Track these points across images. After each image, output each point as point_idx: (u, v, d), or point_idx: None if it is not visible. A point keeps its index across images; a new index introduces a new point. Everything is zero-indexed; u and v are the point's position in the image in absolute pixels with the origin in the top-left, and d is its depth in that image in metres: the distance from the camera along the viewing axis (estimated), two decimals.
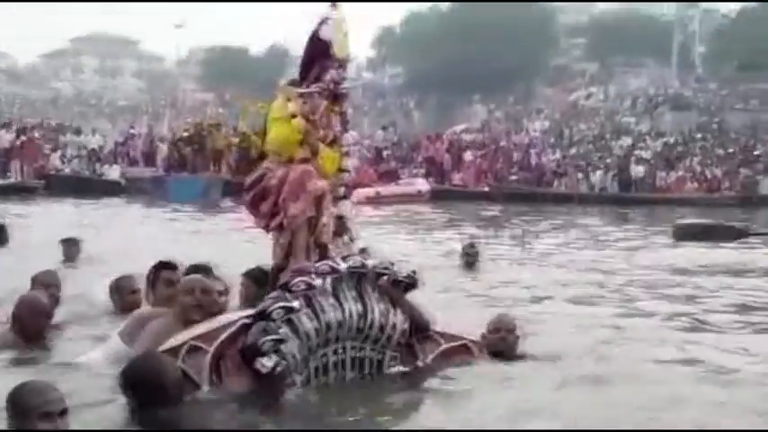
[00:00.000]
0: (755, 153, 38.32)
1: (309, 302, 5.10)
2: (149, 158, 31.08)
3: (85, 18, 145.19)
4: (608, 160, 36.56)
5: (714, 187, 33.99)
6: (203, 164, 29.23)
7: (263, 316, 5.01)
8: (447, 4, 75.51)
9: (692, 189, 33.68)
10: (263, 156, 5.79)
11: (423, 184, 30.45)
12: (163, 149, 31.01)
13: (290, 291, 5.09)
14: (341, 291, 5.21)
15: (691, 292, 10.39)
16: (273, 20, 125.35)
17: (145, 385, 4.27)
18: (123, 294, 6.93)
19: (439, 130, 42.92)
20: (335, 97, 5.65)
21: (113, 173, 29.32)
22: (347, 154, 5.84)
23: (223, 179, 27.09)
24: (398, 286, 5.43)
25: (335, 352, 5.24)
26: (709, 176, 34.80)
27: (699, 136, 44.05)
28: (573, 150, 40.04)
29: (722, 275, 11.89)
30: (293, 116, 5.51)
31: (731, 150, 39.17)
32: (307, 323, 5.06)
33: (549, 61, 74.69)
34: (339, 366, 5.26)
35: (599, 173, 34.44)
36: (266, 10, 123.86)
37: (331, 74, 5.58)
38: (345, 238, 5.75)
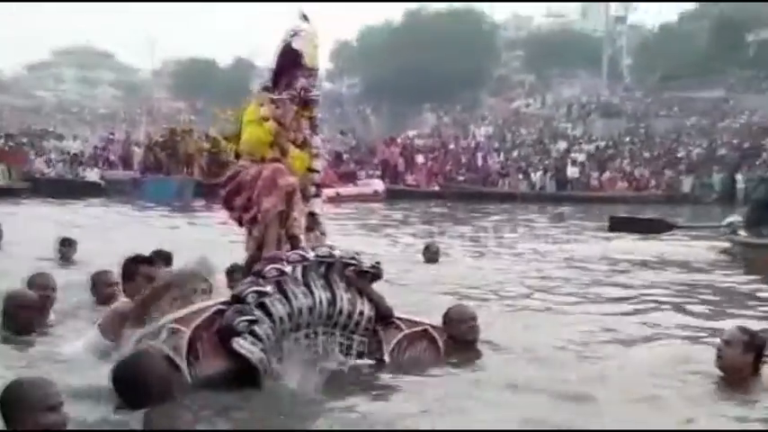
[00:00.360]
0: (678, 155, 38.72)
1: (281, 288, 5.06)
2: (126, 162, 30.68)
3: (66, 32, 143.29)
4: (546, 162, 36.71)
5: (642, 186, 34.27)
6: (176, 167, 28.92)
7: (237, 299, 4.98)
8: (398, 19, 75.57)
9: (622, 188, 33.92)
10: (237, 156, 5.75)
11: (379, 185, 30.33)
12: (138, 153, 30.63)
13: (263, 277, 5.04)
14: (310, 279, 5.17)
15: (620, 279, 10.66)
16: (239, 34, 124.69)
17: (132, 385, 4.06)
18: (101, 288, 6.84)
19: (393, 135, 42.84)
20: (305, 103, 5.64)
21: (93, 175, 28.97)
22: (316, 155, 5.80)
23: (194, 181, 26.83)
24: (364, 276, 5.40)
25: (307, 336, 5.18)
26: (637, 176, 35.09)
27: (627, 140, 44.35)
28: (515, 153, 40.15)
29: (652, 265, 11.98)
30: (265, 119, 5.50)
31: (656, 153, 39.56)
32: (279, 307, 5.01)
33: (492, 72, 75.09)
34: (310, 347, 5.20)
35: (538, 173, 34.57)
36: (233, 24, 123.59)
37: (301, 82, 5.56)
38: (317, 232, 5.70)
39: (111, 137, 34.61)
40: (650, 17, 78.91)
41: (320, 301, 5.16)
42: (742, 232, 13.41)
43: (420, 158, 35.13)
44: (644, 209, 23.93)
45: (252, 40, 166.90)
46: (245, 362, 4.89)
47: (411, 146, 38.17)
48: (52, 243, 10.39)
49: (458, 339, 5.77)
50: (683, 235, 15.43)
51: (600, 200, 30.13)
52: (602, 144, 42.29)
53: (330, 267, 5.28)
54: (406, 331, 5.56)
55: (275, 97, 5.56)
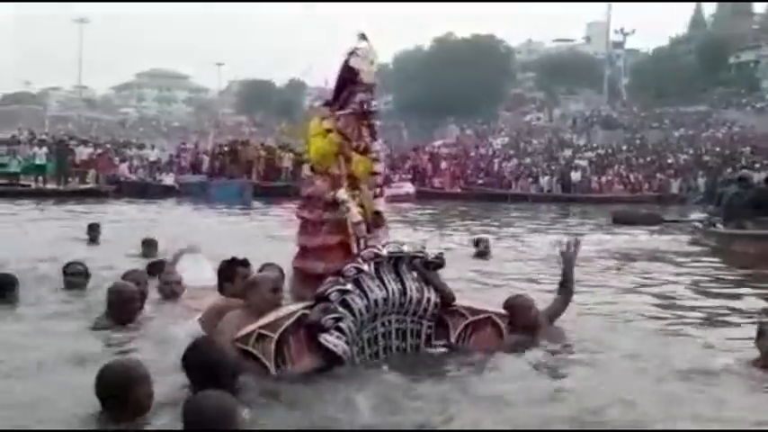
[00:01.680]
0: (668, 161, 38.33)
1: (359, 284, 4.86)
2: (196, 167, 30.84)
3: (147, 57, 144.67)
4: (553, 167, 36.47)
5: (636, 188, 33.91)
6: (238, 172, 29.12)
7: (322, 298, 4.78)
8: (428, 44, 75.47)
9: (619, 190, 33.60)
10: (313, 168, 5.43)
11: (410, 187, 30.20)
12: (206, 160, 30.88)
13: (343, 276, 4.84)
14: (383, 272, 4.95)
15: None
16: (295, 55, 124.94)
17: (199, 368, 3.88)
18: (164, 284, 6.63)
19: (422, 144, 42.82)
20: (364, 113, 5.34)
21: (169, 179, 29.14)
22: (376, 159, 5.43)
23: (253, 183, 26.98)
24: (428, 266, 5.15)
25: (383, 324, 5.00)
26: (632, 180, 34.75)
27: (624, 148, 43.99)
28: (527, 160, 39.93)
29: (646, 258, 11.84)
30: (328, 131, 5.22)
31: (649, 159, 39.16)
32: (358, 302, 4.82)
33: (508, 90, 74.71)
34: (386, 337, 5.03)
35: (546, 178, 34.31)
36: (290, 47, 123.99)
37: (359, 96, 5.28)
38: (383, 228, 5.38)
39: (183, 146, 34.81)
40: (645, 42, 78.06)
41: (393, 292, 4.96)
42: (720, 226, 13.25)
43: (444, 164, 35.00)
44: (638, 207, 23.67)
45: (304, 62, 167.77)
46: (331, 355, 4.70)
47: (437, 153, 38.10)
48: (138, 241, 10.16)
49: (517, 326, 5.46)
50: (648, 230, 15.39)
51: (599, 200, 29.87)
52: (602, 152, 41.95)
53: (399, 260, 5.06)
54: (471, 318, 5.27)
55: (340, 113, 5.28)
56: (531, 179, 34.36)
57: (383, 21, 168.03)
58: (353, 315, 4.80)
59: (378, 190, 5.43)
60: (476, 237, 11.89)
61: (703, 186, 30.40)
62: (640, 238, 14.36)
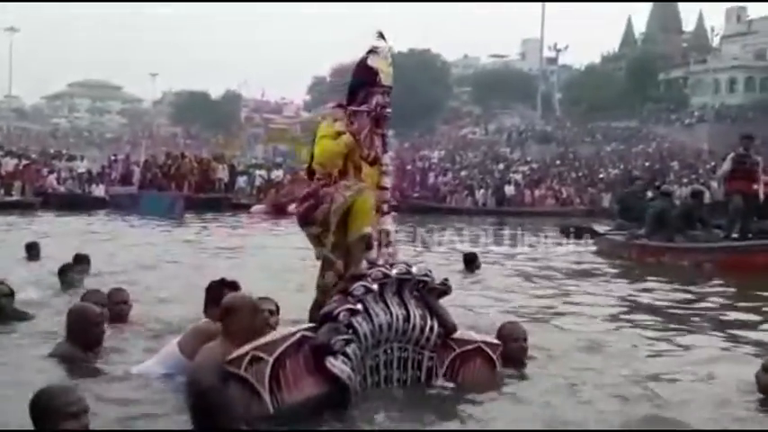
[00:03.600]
0: (599, 176, 39.05)
1: (364, 306, 4.43)
2: (126, 179, 30.35)
3: (80, 66, 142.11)
4: (488, 181, 36.81)
5: (568, 202, 34.44)
6: (169, 184, 28.73)
7: (330, 318, 4.31)
8: None
9: (551, 204, 34.07)
10: (310, 175, 4.93)
11: None
12: (137, 172, 30.38)
13: (350, 295, 4.41)
14: (387, 295, 4.54)
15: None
16: (229, 67, 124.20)
17: (203, 409, 3.42)
18: (113, 305, 6.10)
19: None
20: (377, 120, 4.94)
21: (99, 191, 28.60)
22: (385, 172, 4.99)
23: (184, 196, 26.64)
24: (433, 292, 4.74)
25: (385, 352, 4.54)
26: (564, 194, 35.27)
27: (557, 162, 44.67)
28: (463, 173, 40.25)
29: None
30: (340, 134, 4.77)
31: (581, 174, 39.84)
32: (364, 325, 4.38)
33: (445, 104, 75.37)
34: (387, 366, 4.56)
35: (481, 191, 34.61)
36: (224, 58, 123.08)
37: (377, 98, 4.88)
38: (390, 249, 4.88)
39: (113, 158, 34.21)
40: (578, 58, 79.67)
41: (397, 318, 4.51)
42: (644, 239, 13.51)
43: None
44: (569, 221, 24.00)
45: (241, 73, 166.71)
46: (335, 381, 4.23)
47: None
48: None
49: (507, 357, 5.07)
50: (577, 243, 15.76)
51: (531, 214, 30.24)
52: (536, 166, 42.54)
53: (403, 284, 4.63)
54: (459, 350, 4.80)
55: (354, 109, 4.87)
56: (465, 192, 34.60)
57: (322, 33, 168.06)
58: (359, 339, 4.39)
59: (386, 206, 4.97)
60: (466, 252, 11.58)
61: (610, 200, 30.72)
62: (562, 249, 14.66)
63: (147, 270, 10.15)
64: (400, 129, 66.85)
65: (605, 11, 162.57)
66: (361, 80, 4.94)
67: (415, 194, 34.45)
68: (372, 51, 4.92)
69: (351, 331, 4.32)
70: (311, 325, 4.41)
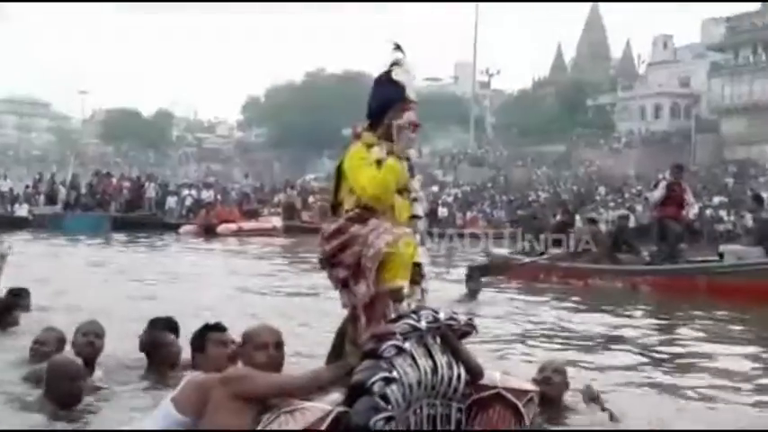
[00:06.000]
0: (529, 199, 39.69)
1: (394, 367, 3.68)
2: (52, 199, 29.65)
3: (5, 82, 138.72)
4: None
5: (498, 225, 34.89)
6: (95, 204, 28.20)
7: (364, 390, 3.58)
8: (300, 79, 75.77)
9: (483, 226, 34.45)
10: (334, 209, 4.23)
11: (277, 221, 30.02)
12: (62, 191, 29.72)
13: (381, 357, 3.67)
14: (412, 347, 3.80)
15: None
16: (162, 84, 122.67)
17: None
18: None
19: (294, 178, 42.78)
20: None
21: (23, 211, 27.90)
22: (415, 200, 4.35)
23: (111, 216, 26.16)
24: (455, 333, 3.99)
25: (415, 413, 3.80)
26: (495, 216, 35.74)
27: (489, 185, 45.31)
28: None
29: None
30: (380, 162, 4.02)
31: (512, 197, 40.47)
32: (396, 391, 3.64)
33: None
34: (418, 425, 3.83)
35: None
36: (157, 75, 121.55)
37: (409, 115, 4.19)
38: (423, 285, 4.23)
39: (38, 177, 33.42)
40: (510, 83, 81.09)
41: (425, 372, 3.77)
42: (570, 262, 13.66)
43: (311, 199, 35.04)
44: (499, 243, 24.20)
45: (172, 92, 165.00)
46: None
47: (308, 188, 38.12)
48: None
49: (544, 395, 4.37)
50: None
51: (462, 236, 30.48)
52: (468, 189, 43.05)
53: (429, 331, 3.93)
54: (475, 396, 3.99)
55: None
56: None
57: (256, 54, 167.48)
58: (392, 408, 3.66)
59: (419, 238, 4.22)
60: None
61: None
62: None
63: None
64: (335, 150, 67.00)
65: (536, 36, 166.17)
66: (388, 97, 4.26)
67: None
68: (396, 64, 4.29)
69: (385, 403, 3.60)
70: (340, 397, 3.69)
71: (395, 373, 3.63)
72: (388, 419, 3.57)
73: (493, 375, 4.09)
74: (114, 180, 30.29)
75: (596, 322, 9.29)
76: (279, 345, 3.92)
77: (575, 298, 11.49)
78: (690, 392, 5.84)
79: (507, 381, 4.13)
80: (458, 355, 3.93)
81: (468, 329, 4.04)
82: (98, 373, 5.03)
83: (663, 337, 8.63)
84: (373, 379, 3.59)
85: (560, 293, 12.08)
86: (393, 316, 3.91)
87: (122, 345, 5.56)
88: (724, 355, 7.35)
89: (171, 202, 31.16)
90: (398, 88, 4.22)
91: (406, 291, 3.98)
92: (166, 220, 28.30)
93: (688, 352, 7.66)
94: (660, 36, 66.43)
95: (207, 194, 32.61)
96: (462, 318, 4.04)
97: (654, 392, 5.84)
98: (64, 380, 4.42)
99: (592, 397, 4.69)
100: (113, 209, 27.73)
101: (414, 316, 3.85)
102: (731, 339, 8.43)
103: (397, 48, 4.32)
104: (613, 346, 7.78)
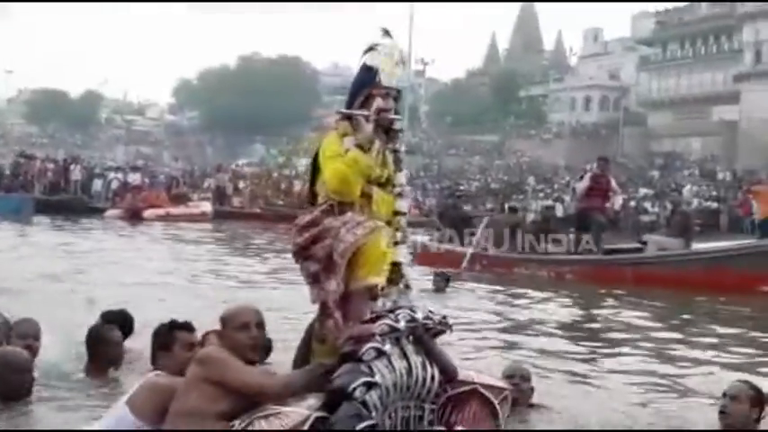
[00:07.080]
0: (461, 187, 40.05)
1: (374, 372, 3.52)
2: None
3: None
4: None
5: (429, 213, 35.08)
6: (17, 185, 27.40)
7: (345, 396, 3.43)
8: (233, 63, 74.72)
9: (415, 214, 34.58)
10: (312, 198, 4.03)
11: (206, 207, 29.57)
12: None
13: (361, 361, 3.51)
14: (387, 349, 3.63)
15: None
16: (91, 65, 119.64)
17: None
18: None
19: (226, 163, 42.24)
20: (387, 132, 4.03)
21: None
22: (400, 194, 4.10)
23: (34, 199, 25.40)
24: (429, 332, 3.84)
25: (390, 417, 3.64)
26: (427, 204, 35.92)
27: (422, 174, 45.52)
28: None
29: None
30: (347, 151, 3.85)
31: (444, 185, 40.74)
32: (374, 396, 3.48)
33: (314, 112, 75.39)
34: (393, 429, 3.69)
35: None
36: (86, 56, 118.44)
37: (377, 102, 3.96)
38: (401, 285, 4.03)
39: None
40: (444, 73, 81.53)
41: (401, 374, 3.62)
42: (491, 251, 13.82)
43: (242, 184, 34.65)
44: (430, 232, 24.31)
45: (102, 72, 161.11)
46: None
47: (239, 173, 37.69)
48: None
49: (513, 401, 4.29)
50: None
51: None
52: None
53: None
54: (450, 392, 3.90)
55: (346, 112, 4.00)
56: None
57: (190, 35, 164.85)
58: (371, 415, 3.52)
59: (399, 235, 4.03)
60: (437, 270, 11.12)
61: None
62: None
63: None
64: (268, 135, 66.41)
65: (471, 27, 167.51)
66: (359, 82, 4.09)
67: (280, 202, 34.26)
68: (371, 49, 4.07)
69: (365, 409, 3.45)
70: (318, 401, 3.51)
71: (377, 378, 3.48)
72: (372, 427, 3.40)
73: (468, 373, 4.01)
74: (38, 162, 29.37)
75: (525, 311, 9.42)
76: (260, 324, 3.68)
77: (498, 287, 11.53)
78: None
79: (482, 378, 4.05)
80: (432, 355, 3.79)
81: (443, 328, 3.91)
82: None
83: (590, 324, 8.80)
84: (354, 384, 3.42)
85: (486, 282, 12.15)
86: (369, 315, 3.73)
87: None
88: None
89: (97, 185, 30.37)
90: (371, 73, 4.02)
91: (382, 288, 3.81)
92: (92, 204, 27.59)
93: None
94: (591, 29, 67.58)
95: (134, 178, 31.87)
96: (437, 316, 3.89)
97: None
98: (13, 372, 4.19)
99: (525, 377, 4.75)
100: (37, 191, 26.88)
101: (391, 316, 3.68)
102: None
103: (386, 33, 4.12)
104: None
